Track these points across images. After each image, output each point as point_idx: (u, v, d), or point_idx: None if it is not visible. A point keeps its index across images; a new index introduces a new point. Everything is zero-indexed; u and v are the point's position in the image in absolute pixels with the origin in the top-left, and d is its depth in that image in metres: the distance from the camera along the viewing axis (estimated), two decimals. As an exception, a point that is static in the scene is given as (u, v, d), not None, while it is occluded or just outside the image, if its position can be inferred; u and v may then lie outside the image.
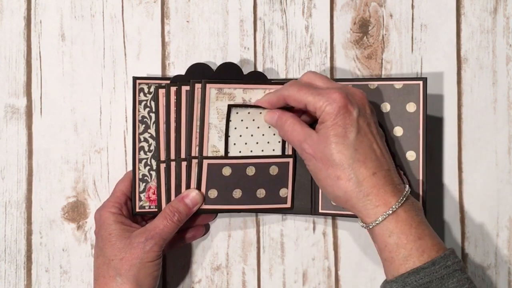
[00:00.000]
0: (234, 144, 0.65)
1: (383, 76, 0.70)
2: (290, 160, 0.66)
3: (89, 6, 0.70)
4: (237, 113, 0.64)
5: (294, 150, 0.67)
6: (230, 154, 0.64)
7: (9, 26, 0.70)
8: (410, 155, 0.64)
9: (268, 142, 0.65)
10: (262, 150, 0.65)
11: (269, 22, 0.70)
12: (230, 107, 0.64)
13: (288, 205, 0.67)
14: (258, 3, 0.70)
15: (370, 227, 0.57)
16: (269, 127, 0.65)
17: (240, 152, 0.65)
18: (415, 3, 0.70)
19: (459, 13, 0.70)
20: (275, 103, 0.63)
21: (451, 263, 0.56)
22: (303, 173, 0.67)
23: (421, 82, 0.64)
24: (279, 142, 0.66)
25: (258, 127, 0.65)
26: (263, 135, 0.65)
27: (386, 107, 0.65)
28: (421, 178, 0.64)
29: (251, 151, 0.65)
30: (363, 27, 0.70)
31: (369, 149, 0.58)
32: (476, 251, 0.69)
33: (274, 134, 0.65)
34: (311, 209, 0.67)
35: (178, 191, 0.65)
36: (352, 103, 0.58)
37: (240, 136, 0.65)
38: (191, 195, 0.64)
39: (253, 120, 0.65)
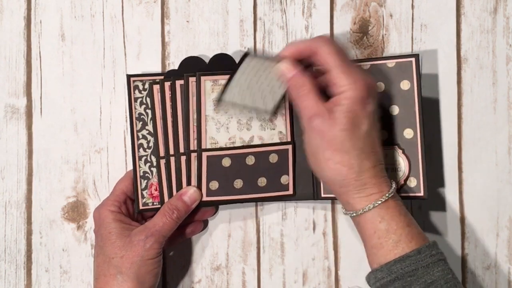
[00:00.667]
0: (235, 86, 0.62)
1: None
2: (290, 147, 0.66)
3: (89, 6, 0.70)
4: (251, 60, 0.62)
5: (292, 137, 0.67)
6: (225, 97, 0.62)
7: (9, 26, 0.70)
8: (408, 133, 0.64)
9: (269, 92, 0.62)
10: (264, 98, 0.62)
11: (269, 22, 0.70)
12: (246, 55, 0.62)
13: (290, 191, 0.67)
14: (258, 3, 0.70)
15: (360, 213, 0.58)
16: (278, 79, 0.61)
17: (238, 93, 0.62)
18: (415, 3, 0.70)
19: (459, 13, 0.70)
20: (300, 51, 0.60)
21: (435, 253, 0.57)
22: (304, 159, 0.67)
23: (413, 59, 0.64)
24: (281, 95, 0.62)
25: (267, 76, 0.62)
26: (269, 84, 0.62)
27: (381, 86, 0.65)
28: (420, 154, 0.63)
29: (250, 95, 0.62)
30: (363, 27, 0.70)
31: (374, 143, 0.59)
32: (476, 251, 0.69)
33: (279, 88, 0.62)
34: (314, 194, 0.67)
35: (179, 186, 0.65)
36: (371, 96, 0.58)
37: (245, 80, 0.62)
38: (189, 192, 0.64)
39: (265, 69, 0.62)
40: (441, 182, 0.69)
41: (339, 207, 0.69)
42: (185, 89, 0.64)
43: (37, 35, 0.70)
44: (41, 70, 0.70)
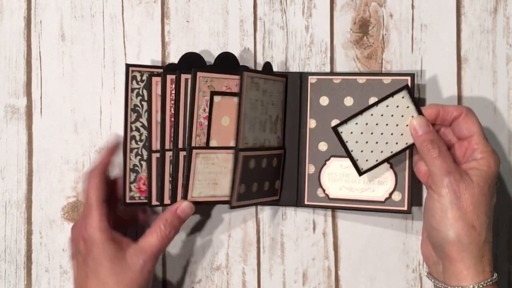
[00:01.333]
0: (362, 151, 0.61)
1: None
2: (282, 151, 0.67)
3: (89, 6, 0.70)
4: (356, 123, 0.60)
5: (283, 141, 0.67)
6: (361, 166, 0.61)
7: (9, 26, 0.70)
8: None
9: (386, 143, 0.61)
10: (377, 142, 0.61)
11: (269, 22, 0.70)
12: (336, 127, 0.60)
13: (277, 196, 0.67)
14: (258, 3, 0.70)
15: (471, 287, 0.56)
16: (402, 134, 0.61)
17: (372, 153, 0.61)
18: (415, 3, 0.70)
19: (459, 13, 0.70)
20: (441, 112, 0.60)
21: None
22: (291, 165, 0.68)
23: (409, 78, 0.65)
24: (391, 152, 0.61)
25: (397, 125, 0.60)
26: (392, 134, 0.61)
27: (375, 101, 0.65)
28: (407, 170, 0.65)
29: (382, 151, 0.61)
30: (363, 27, 0.70)
31: (492, 219, 0.59)
32: (476, 251, 0.69)
33: (396, 143, 0.61)
34: (296, 201, 0.68)
35: (175, 182, 0.63)
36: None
37: (367, 142, 0.61)
38: (182, 206, 0.62)
39: (402, 116, 0.60)
40: (441, 182, 0.69)
41: (339, 207, 0.70)
42: (192, 84, 0.62)
43: (37, 35, 0.70)
44: (41, 70, 0.70)
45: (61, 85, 0.70)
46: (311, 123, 0.67)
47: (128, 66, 0.64)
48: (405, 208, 0.65)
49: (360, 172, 0.61)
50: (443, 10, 0.70)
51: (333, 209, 0.68)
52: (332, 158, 0.67)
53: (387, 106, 0.60)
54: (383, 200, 0.66)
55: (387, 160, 0.62)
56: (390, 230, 0.69)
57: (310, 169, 0.67)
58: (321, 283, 0.69)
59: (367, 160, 0.61)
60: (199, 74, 0.62)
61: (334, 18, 0.70)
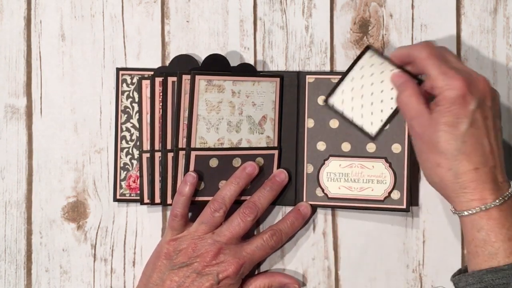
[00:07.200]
0: (362, 116, 0.62)
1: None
2: (276, 152, 0.67)
3: (89, 6, 0.70)
4: (342, 91, 0.63)
5: (279, 143, 0.67)
6: (370, 131, 0.62)
7: (9, 26, 0.70)
8: (396, 148, 0.66)
9: (380, 105, 0.62)
10: (372, 103, 0.62)
11: (269, 22, 0.70)
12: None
13: None
14: (258, 3, 0.70)
15: (459, 215, 0.57)
16: (392, 89, 0.62)
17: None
18: (415, 3, 0.70)
19: (459, 13, 0.70)
20: (402, 56, 0.61)
21: None
22: (288, 165, 0.68)
23: None
24: (391, 108, 0.62)
25: (382, 81, 0.62)
26: (382, 91, 0.62)
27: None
28: (405, 169, 0.66)
29: (382, 110, 0.62)
30: (363, 27, 0.70)
31: (478, 144, 0.56)
32: (476, 251, 0.69)
33: (391, 98, 0.62)
34: (295, 201, 0.68)
35: (164, 183, 0.65)
36: (473, 93, 0.56)
37: (362, 106, 0.62)
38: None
39: (382, 72, 0.62)
40: (441, 182, 0.69)
41: (339, 207, 0.70)
42: (178, 86, 0.64)
43: (37, 35, 0.70)
44: (41, 70, 0.70)
45: (61, 85, 0.70)
46: (309, 123, 0.67)
47: (118, 69, 0.67)
48: (404, 206, 0.66)
49: (372, 137, 0.62)
50: (443, 10, 0.70)
51: (332, 208, 0.68)
52: (330, 158, 0.67)
53: (362, 67, 0.61)
54: (382, 199, 0.66)
55: (392, 117, 0.62)
56: (390, 231, 0.69)
57: (308, 168, 0.67)
58: (321, 283, 0.69)
59: (372, 123, 0.62)
60: (184, 76, 0.64)
61: (334, 18, 0.70)
